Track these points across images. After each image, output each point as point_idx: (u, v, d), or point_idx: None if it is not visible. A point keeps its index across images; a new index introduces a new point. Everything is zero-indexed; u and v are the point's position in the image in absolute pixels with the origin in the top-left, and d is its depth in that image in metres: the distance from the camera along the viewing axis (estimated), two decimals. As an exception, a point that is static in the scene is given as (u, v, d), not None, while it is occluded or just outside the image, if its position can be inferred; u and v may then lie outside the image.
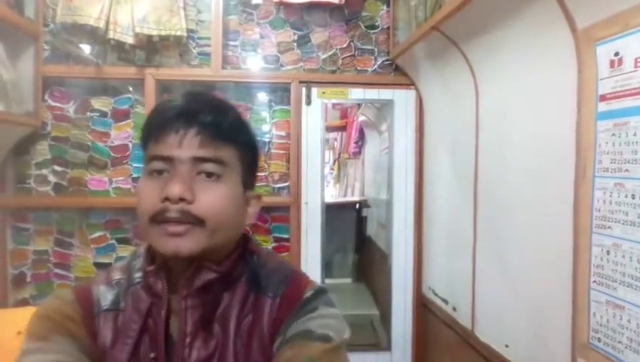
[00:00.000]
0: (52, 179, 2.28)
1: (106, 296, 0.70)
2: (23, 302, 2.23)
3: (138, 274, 0.71)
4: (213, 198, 0.64)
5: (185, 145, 0.63)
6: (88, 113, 2.29)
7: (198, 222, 0.62)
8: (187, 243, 0.62)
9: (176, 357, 0.64)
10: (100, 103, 2.30)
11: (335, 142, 4.72)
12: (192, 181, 0.63)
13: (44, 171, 2.27)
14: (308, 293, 0.69)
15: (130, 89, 2.32)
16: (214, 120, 0.65)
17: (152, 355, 0.65)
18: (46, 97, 2.25)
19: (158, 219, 0.62)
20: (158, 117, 0.66)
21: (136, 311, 0.67)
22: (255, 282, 0.71)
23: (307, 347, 0.61)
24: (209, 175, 0.64)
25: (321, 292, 0.70)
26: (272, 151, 2.39)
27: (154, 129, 0.65)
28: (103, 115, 2.31)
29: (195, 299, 0.66)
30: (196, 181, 0.64)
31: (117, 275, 0.73)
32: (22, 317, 1.51)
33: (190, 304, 0.65)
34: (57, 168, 2.28)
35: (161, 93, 2.30)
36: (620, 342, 1.01)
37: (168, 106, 0.66)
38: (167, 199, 0.61)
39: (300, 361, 0.60)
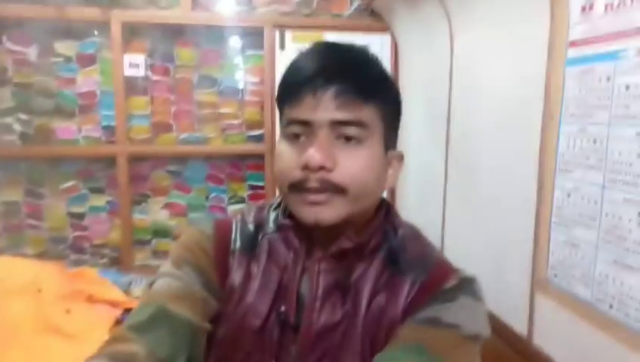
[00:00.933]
0: (17, 127, 2.20)
1: (243, 237, 0.71)
2: (-4, 253, 2.21)
3: (274, 225, 0.70)
4: (354, 165, 0.60)
5: (322, 108, 0.59)
6: (52, 58, 2.19)
7: (338, 190, 0.60)
8: (328, 212, 0.60)
9: (303, 318, 0.64)
10: (63, 47, 2.19)
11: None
12: (331, 146, 0.60)
13: (9, 120, 2.19)
14: (451, 283, 0.64)
15: (96, 32, 2.21)
16: (354, 78, 0.60)
17: (282, 308, 0.65)
18: (4, 40, 2.13)
19: (299, 187, 0.60)
20: (293, 75, 0.62)
21: (275, 263, 0.68)
22: (394, 260, 0.67)
23: (426, 332, 0.58)
24: (349, 139, 0.60)
25: (466, 281, 0.65)
26: (246, 98, 2.35)
27: (289, 90, 0.62)
28: (68, 59, 2.20)
29: (329, 263, 0.65)
30: (336, 146, 0.60)
31: (255, 219, 0.73)
32: (-4, 265, 1.51)
33: (324, 268, 0.65)
34: (22, 116, 2.19)
35: (128, 37, 2.21)
36: (573, 276, 1.09)
37: (304, 63, 0.61)
38: (306, 167, 0.59)
39: (406, 341, 0.57)
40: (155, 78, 2.27)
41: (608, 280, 0.99)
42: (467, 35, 1.62)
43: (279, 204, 0.73)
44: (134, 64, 2.18)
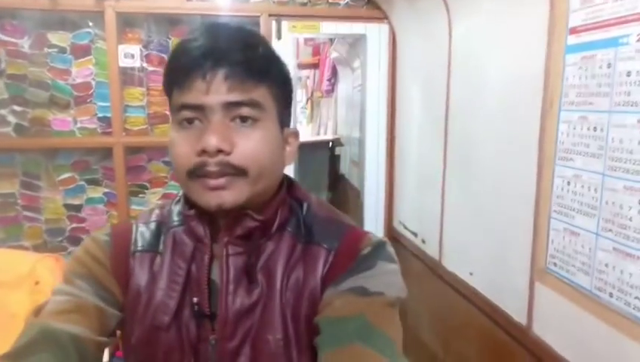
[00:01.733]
0: (12, 119, 2.17)
1: (144, 236, 0.69)
2: (-7, 245, 2.20)
3: (177, 218, 0.69)
4: (252, 145, 0.60)
5: (214, 91, 0.58)
6: (46, 49, 2.16)
7: (239, 172, 0.59)
8: (230, 195, 0.59)
9: (218, 305, 0.63)
10: (57, 38, 2.17)
11: (308, 80, 4.64)
12: (227, 129, 0.59)
13: (3, 111, 2.16)
14: (366, 249, 0.65)
15: (90, 23, 2.18)
16: (243, 58, 0.59)
17: (195, 300, 0.64)
18: (-4, 31, 2.10)
19: (197, 173, 0.59)
20: (180, 60, 0.60)
21: (181, 256, 0.66)
22: (305, 232, 0.67)
23: (360, 301, 0.60)
24: (244, 120, 0.60)
25: (380, 246, 0.66)
26: (243, 88, 2.33)
27: (178, 74, 0.60)
28: (62, 50, 2.17)
29: (236, 246, 0.64)
30: (232, 128, 0.59)
31: (156, 217, 0.72)
32: (-7, 258, 1.50)
33: (232, 251, 0.64)
34: (17, 108, 2.17)
35: (122, 27, 2.18)
36: (573, 265, 1.09)
37: (190, 46, 0.59)
38: (204, 152, 0.58)
39: (347, 311, 0.59)
40: (150, 68, 2.25)
41: (608, 268, 0.99)
42: (466, 22, 1.60)
43: (179, 199, 0.72)
44: (129, 54, 2.16)
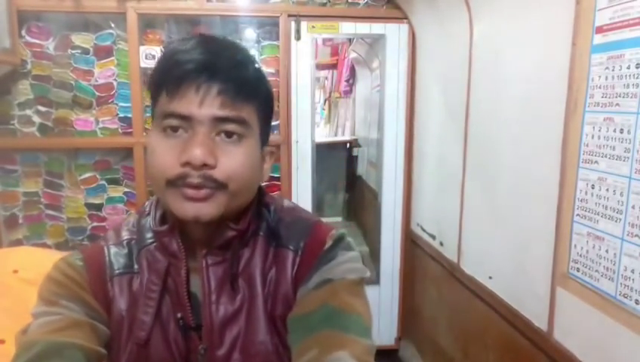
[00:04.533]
0: (36, 119, 2.22)
1: (118, 259, 0.68)
2: (17, 243, 2.25)
3: (149, 235, 0.68)
4: (235, 161, 0.60)
5: (206, 104, 0.58)
6: (69, 50, 2.20)
7: (220, 186, 0.60)
8: (208, 208, 0.60)
9: (203, 316, 0.64)
10: (80, 40, 2.21)
11: (326, 81, 4.63)
12: (212, 143, 0.59)
13: (28, 112, 2.21)
14: (328, 244, 0.68)
15: (112, 25, 2.22)
16: (237, 76, 0.60)
17: (179, 315, 0.65)
18: (23, 33, 2.15)
19: (178, 183, 0.59)
20: (173, 68, 0.59)
21: (154, 273, 0.66)
22: (274, 235, 0.69)
23: (324, 292, 0.63)
24: (229, 135, 0.60)
25: (339, 239, 0.69)
26: (261, 89, 2.34)
27: (169, 81, 0.59)
28: (85, 52, 2.22)
29: (215, 256, 0.65)
30: (216, 142, 0.60)
31: (127, 235, 0.71)
32: (17, 256, 1.53)
33: (211, 261, 0.65)
34: (41, 108, 2.22)
35: (143, 28, 2.21)
36: (597, 271, 1.06)
37: (185, 57, 0.59)
38: (187, 163, 0.58)
39: (312, 305, 0.62)
40: (170, 69, 2.27)
41: (634, 274, 0.96)
42: (487, 22, 1.58)
43: (150, 211, 0.71)
44: (150, 55, 2.18)
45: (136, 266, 0.68)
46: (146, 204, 0.73)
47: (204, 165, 0.58)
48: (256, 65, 0.65)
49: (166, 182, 0.59)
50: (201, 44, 0.61)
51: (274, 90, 2.31)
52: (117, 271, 0.68)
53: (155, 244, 0.67)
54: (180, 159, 0.58)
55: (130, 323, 0.66)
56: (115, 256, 0.69)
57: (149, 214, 0.70)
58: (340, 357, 0.55)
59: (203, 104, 0.58)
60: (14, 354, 0.59)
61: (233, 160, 0.60)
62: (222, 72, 0.59)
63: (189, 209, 0.59)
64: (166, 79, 0.60)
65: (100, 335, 0.64)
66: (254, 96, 0.63)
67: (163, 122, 0.60)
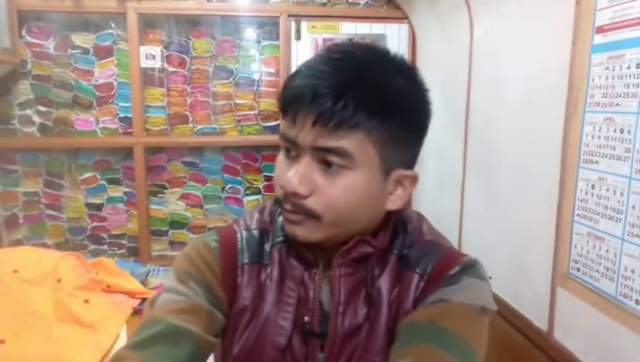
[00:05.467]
0: (37, 119, 2.22)
1: (250, 247, 0.70)
2: (17, 243, 2.24)
3: (280, 234, 0.69)
4: (330, 193, 0.58)
5: (305, 132, 0.57)
6: (69, 50, 2.20)
7: (312, 215, 0.59)
8: (303, 231, 0.61)
9: (329, 325, 0.64)
10: (80, 39, 2.21)
11: (326, 81, 4.63)
12: (312, 171, 0.58)
13: (28, 112, 2.21)
14: (455, 269, 0.64)
15: (112, 25, 2.22)
16: (340, 101, 0.55)
17: (306, 319, 0.65)
18: (23, 33, 2.14)
19: (281, 203, 0.62)
20: (285, 91, 0.59)
21: (292, 279, 0.67)
22: (404, 257, 0.67)
23: (436, 310, 0.60)
24: (329, 165, 0.58)
25: (469, 266, 0.66)
26: (262, 89, 2.34)
27: (282, 103, 0.60)
28: (85, 51, 2.21)
29: (349, 268, 0.65)
30: (317, 170, 0.59)
31: (258, 223, 0.72)
32: (17, 256, 1.54)
33: (344, 272, 0.65)
34: (41, 108, 2.21)
35: (143, 28, 2.21)
36: (597, 271, 1.06)
37: (295, 82, 0.58)
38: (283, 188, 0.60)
39: (421, 317, 0.60)
40: (171, 69, 2.27)
41: (635, 274, 0.96)
42: (487, 22, 1.58)
43: None
44: (150, 55, 2.18)
45: (265, 259, 0.69)
46: None
47: (295, 194, 0.58)
48: (386, 83, 0.58)
49: (275, 199, 0.63)
50: (320, 60, 0.59)
51: (273, 90, 2.27)
52: (247, 260, 0.69)
53: (288, 245, 0.68)
54: (281, 183, 0.60)
55: (252, 313, 0.67)
56: (248, 242, 0.70)
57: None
58: None
59: (303, 131, 0.58)
60: (141, 323, 0.62)
61: (329, 191, 0.58)
62: (324, 96, 0.55)
63: (288, 228, 0.62)
64: (281, 100, 0.60)
65: (215, 324, 0.65)
66: (360, 125, 0.56)
67: (282, 142, 0.62)
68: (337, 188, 0.58)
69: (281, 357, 0.65)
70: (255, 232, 0.71)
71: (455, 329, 0.57)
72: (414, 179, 0.66)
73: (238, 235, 0.71)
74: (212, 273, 0.67)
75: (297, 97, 0.57)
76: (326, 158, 0.58)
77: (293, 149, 0.60)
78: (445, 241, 0.72)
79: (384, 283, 0.66)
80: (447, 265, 0.65)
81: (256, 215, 0.73)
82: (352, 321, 0.64)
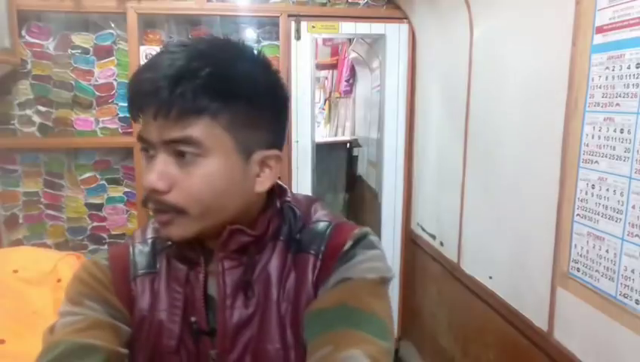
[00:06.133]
0: (37, 119, 2.22)
1: (142, 258, 0.69)
2: (17, 243, 2.25)
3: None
4: (190, 185, 0.57)
5: (152, 127, 0.56)
6: (69, 50, 2.20)
7: (178, 210, 0.58)
8: (175, 230, 0.60)
9: (217, 320, 0.64)
10: (80, 39, 2.21)
11: (326, 81, 4.63)
12: (168, 166, 0.57)
13: (28, 111, 2.21)
14: (348, 244, 0.65)
15: (112, 25, 2.22)
16: (169, 94, 0.54)
17: (192, 319, 0.65)
18: (23, 33, 2.15)
19: (148, 206, 0.60)
20: (129, 91, 0.58)
21: (176, 280, 0.66)
22: (294, 241, 0.67)
23: (342, 291, 0.61)
24: (182, 155, 0.57)
25: (360, 238, 0.66)
26: (262, 89, 2.34)
27: (128, 103, 0.58)
28: (85, 52, 2.22)
29: (231, 260, 0.64)
30: (173, 164, 0.57)
31: (151, 233, 0.72)
32: (17, 256, 1.54)
33: (227, 266, 0.64)
34: (41, 108, 2.22)
35: (143, 28, 2.21)
36: (597, 271, 1.06)
37: (137, 74, 0.57)
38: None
39: (328, 302, 0.60)
40: (170, 69, 2.27)
41: (635, 274, 0.96)
42: (487, 21, 1.58)
43: None
44: (150, 55, 2.18)
45: (157, 265, 0.68)
46: None
47: (155, 190, 0.57)
48: (227, 65, 0.58)
49: (142, 201, 0.61)
50: (157, 56, 0.59)
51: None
52: (140, 271, 0.68)
53: (174, 247, 0.67)
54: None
55: (150, 323, 0.66)
56: (139, 255, 0.70)
57: None
58: (354, 355, 0.53)
59: (148, 127, 0.57)
60: (40, 351, 0.60)
61: (188, 183, 0.57)
62: (162, 88, 0.54)
63: (162, 230, 0.61)
64: (128, 102, 0.59)
65: (121, 335, 0.64)
66: (205, 110, 0.56)
67: (140, 144, 0.61)
68: (195, 178, 0.58)
69: (176, 360, 0.65)
70: (148, 243, 0.71)
71: (364, 308, 0.59)
72: (279, 158, 0.65)
73: (130, 250, 0.70)
74: (105, 288, 0.66)
75: (137, 94, 0.57)
76: (177, 149, 0.57)
77: (149, 148, 0.59)
78: (335, 218, 0.71)
79: (273, 270, 0.66)
80: (339, 241, 0.66)
81: (150, 226, 0.73)
82: (241, 313, 0.64)
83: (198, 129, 0.56)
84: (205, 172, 0.58)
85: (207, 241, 0.65)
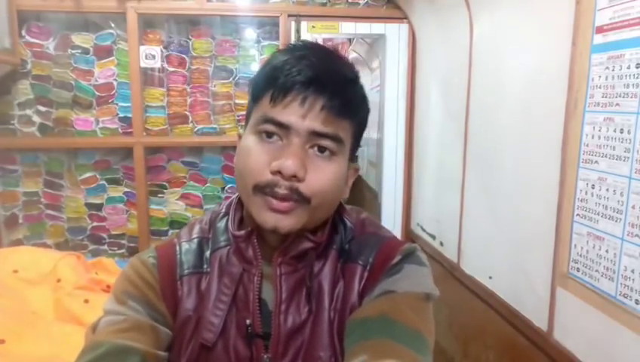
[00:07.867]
0: (37, 119, 2.22)
1: (188, 258, 0.69)
2: (17, 243, 2.25)
3: (224, 237, 0.69)
4: (323, 177, 0.60)
5: (309, 118, 0.59)
6: (69, 50, 2.20)
7: (303, 199, 0.60)
8: (289, 220, 0.60)
9: (272, 324, 0.64)
10: (80, 39, 2.21)
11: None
12: (305, 155, 0.60)
13: (28, 111, 2.21)
14: (396, 258, 0.66)
15: (112, 25, 2.22)
16: (342, 94, 0.60)
17: (247, 322, 0.65)
18: (23, 33, 2.15)
19: (265, 190, 0.59)
20: (282, 74, 0.59)
21: (228, 276, 0.66)
22: (345, 250, 0.69)
23: (384, 302, 0.61)
24: (322, 150, 0.60)
25: (409, 253, 0.68)
26: (261, 89, 2.34)
27: (276, 88, 0.59)
28: (85, 51, 2.22)
29: (289, 266, 0.65)
30: (309, 156, 0.60)
31: (198, 233, 0.72)
32: (17, 256, 1.54)
33: (284, 271, 0.65)
34: (41, 108, 2.22)
35: (143, 28, 2.21)
36: (597, 271, 1.06)
37: (296, 66, 0.59)
38: (278, 172, 0.58)
39: (371, 311, 0.61)
40: (170, 69, 2.28)
41: (634, 274, 0.96)
42: (487, 22, 1.58)
43: (226, 213, 0.71)
44: (150, 55, 2.19)
45: (205, 266, 0.68)
46: (223, 204, 0.73)
47: (294, 176, 0.58)
48: (360, 85, 0.65)
49: (253, 186, 0.60)
50: (311, 54, 0.61)
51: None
52: (186, 271, 0.68)
53: (229, 248, 0.67)
54: (272, 167, 0.58)
55: (195, 324, 0.66)
56: (186, 254, 0.70)
57: (225, 216, 0.71)
58: None
59: (306, 117, 0.59)
60: (83, 348, 0.61)
61: (322, 175, 0.60)
62: (329, 88, 0.59)
63: (269, 219, 0.60)
64: (273, 85, 0.60)
65: (161, 338, 0.64)
66: (354, 115, 0.63)
67: (260, 126, 0.61)
68: (328, 173, 0.61)
69: (226, 360, 0.65)
70: (195, 242, 0.71)
71: (405, 321, 0.59)
72: (356, 171, 0.71)
73: (177, 248, 0.70)
74: (151, 289, 0.66)
75: (307, 83, 0.58)
76: (320, 143, 0.60)
77: (279, 133, 0.60)
78: (385, 232, 0.73)
79: (325, 278, 0.66)
80: (388, 255, 0.67)
81: (197, 225, 0.73)
82: (295, 319, 0.64)
83: (343, 130, 0.62)
84: (334, 169, 0.62)
85: (268, 242, 0.65)
